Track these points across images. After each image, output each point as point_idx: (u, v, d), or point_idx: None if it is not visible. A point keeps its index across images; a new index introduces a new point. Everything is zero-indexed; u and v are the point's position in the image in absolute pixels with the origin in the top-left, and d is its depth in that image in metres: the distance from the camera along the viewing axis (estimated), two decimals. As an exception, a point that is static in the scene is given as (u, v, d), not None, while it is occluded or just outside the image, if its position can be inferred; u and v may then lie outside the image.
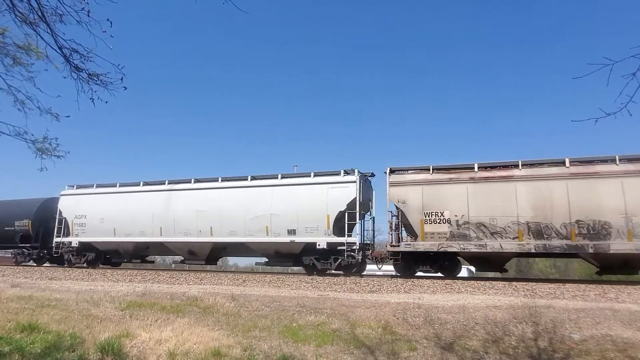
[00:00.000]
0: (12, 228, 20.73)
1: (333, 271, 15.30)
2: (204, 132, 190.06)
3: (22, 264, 20.75)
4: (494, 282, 12.55)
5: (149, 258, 20.95)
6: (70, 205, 19.51)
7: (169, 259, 34.20)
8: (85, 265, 19.08)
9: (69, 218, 19.32)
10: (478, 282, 12.70)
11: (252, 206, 16.08)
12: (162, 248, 18.17)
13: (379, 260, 15.29)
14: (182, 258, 18.18)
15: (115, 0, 3.91)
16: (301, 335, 7.41)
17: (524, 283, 12.24)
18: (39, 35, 4.10)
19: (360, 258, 14.94)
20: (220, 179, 17.16)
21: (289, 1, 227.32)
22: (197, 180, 17.61)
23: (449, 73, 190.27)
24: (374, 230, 16.62)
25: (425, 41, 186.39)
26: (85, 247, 18.98)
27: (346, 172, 15.47)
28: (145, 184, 18.67)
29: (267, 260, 16.81)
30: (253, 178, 16.70)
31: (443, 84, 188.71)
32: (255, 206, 16.03)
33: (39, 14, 3.92)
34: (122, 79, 4.26)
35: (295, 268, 17.28)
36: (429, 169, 14.25)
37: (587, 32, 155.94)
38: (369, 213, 16.50)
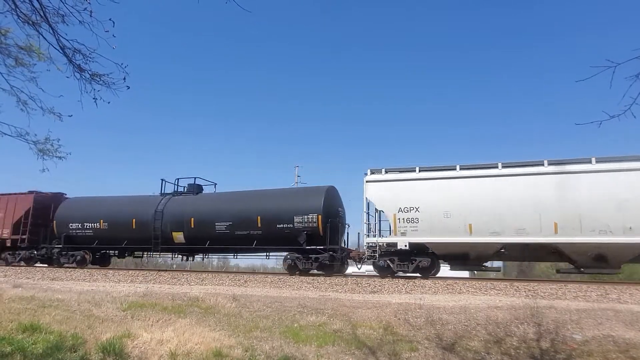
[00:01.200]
0: (290, 225, 15.80)
1: None
2: (204, 132, 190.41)
3: (299, 273, 15.66)
4: (495, 283, 12.54)
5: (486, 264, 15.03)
6: (386, 195, 15.05)
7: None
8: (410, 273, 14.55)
9: (388, 212, 14.87)
10: (479, 282, 12.69)
11: None
12: (532, 250, 13.71)
13: None
14: (573, 266, 13.39)
15: (117, 0, 3.92)
16: (302, 336, 7.41)
17: (525, 283, 12.23)
18: (42, 35, 4.11)
19: None
20: None
21: (291, 1, 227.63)
22: (599, 160, 13.20)
23: (465, 73, 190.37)
24: None
25: (429, 42, 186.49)
26: (413, 250, 14.44)
27: None
28: (505, 165, 14.03)
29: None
30: None
31: (456, 84, 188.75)
32: None
33: (41, 14, 3.93)
34: (124, 78, 4.27)
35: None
36: None
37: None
38: None
